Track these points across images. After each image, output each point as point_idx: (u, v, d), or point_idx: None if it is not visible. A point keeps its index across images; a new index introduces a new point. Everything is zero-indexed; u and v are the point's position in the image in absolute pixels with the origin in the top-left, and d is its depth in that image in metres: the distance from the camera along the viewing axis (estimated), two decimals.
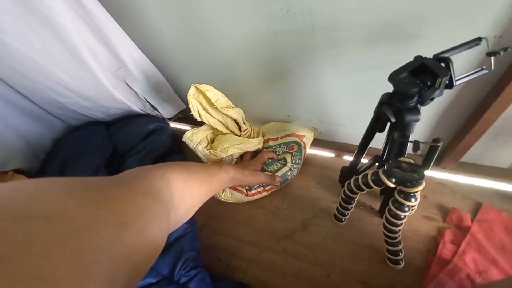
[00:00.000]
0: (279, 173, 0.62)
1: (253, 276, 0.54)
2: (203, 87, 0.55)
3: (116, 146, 0.63)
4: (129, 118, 0.72)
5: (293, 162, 0.63)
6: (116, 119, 0.74)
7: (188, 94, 0.55)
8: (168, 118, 0.79)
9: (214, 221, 0.63)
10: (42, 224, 0.15)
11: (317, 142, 0.72)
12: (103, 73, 0.59)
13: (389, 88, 0.38)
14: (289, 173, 0.62)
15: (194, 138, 0.61)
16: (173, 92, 0.77)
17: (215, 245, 0.59)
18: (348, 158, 0.68)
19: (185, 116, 0.86)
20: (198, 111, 0.58)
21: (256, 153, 0.67)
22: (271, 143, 0.69)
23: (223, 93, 0.59)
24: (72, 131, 0.72)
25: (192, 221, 0.54)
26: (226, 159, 0.62)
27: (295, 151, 0.65)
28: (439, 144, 0.31)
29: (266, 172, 0.63)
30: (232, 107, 0.61)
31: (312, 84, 0.58)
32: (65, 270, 0.15)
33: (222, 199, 0.62)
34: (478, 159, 0.59)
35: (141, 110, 0.75)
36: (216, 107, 0.58)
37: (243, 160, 0.67)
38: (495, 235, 0.50)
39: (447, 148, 0.58)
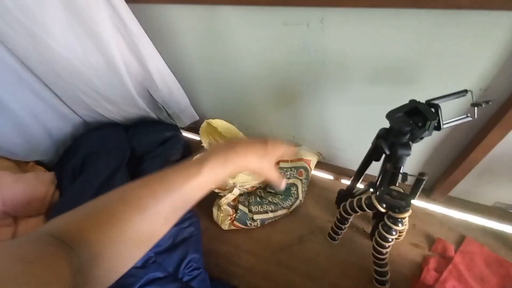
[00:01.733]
0: (292, 209, 0.66)
1: (248, 284, 0.57)
2: (215, 122, 0.63)
3: (134, 148, 0.68)
4: (146, 123, 0.78)
5: (303, 190, 0.67)
6: (132, 122, 0.80)
7: (200, 128, 0.63)
8: (181, 127, 0.85)
9: (215, 228, 0.66)
10: None
11: (318, 164, 0.77)
12: (131, 82, 0.66)
13: (387, 121, 0.44)
14: (298, 202, 0.66)
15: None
16: (190, 104, 0.83)
17: (215, 251, 0.62)
18: (346, 181, 0.73)
19: (195, 126, 0.92)
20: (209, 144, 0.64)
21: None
22: (282, 164, 0.72)
23: (233, 112, 0.65)
24: (92, 130, 0.77)
25: (197, 226, 0.58)
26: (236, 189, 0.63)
27: (303, 178, 0.69)
28: (424, 177, 0.36)
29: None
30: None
31: (318, 110, 0.65)
32: None
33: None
34: (465, 195, 0.64)
35: (158, 117, 0.81)
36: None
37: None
38: (476, 266, 0.54)
39: (437, 181, 0.63)
